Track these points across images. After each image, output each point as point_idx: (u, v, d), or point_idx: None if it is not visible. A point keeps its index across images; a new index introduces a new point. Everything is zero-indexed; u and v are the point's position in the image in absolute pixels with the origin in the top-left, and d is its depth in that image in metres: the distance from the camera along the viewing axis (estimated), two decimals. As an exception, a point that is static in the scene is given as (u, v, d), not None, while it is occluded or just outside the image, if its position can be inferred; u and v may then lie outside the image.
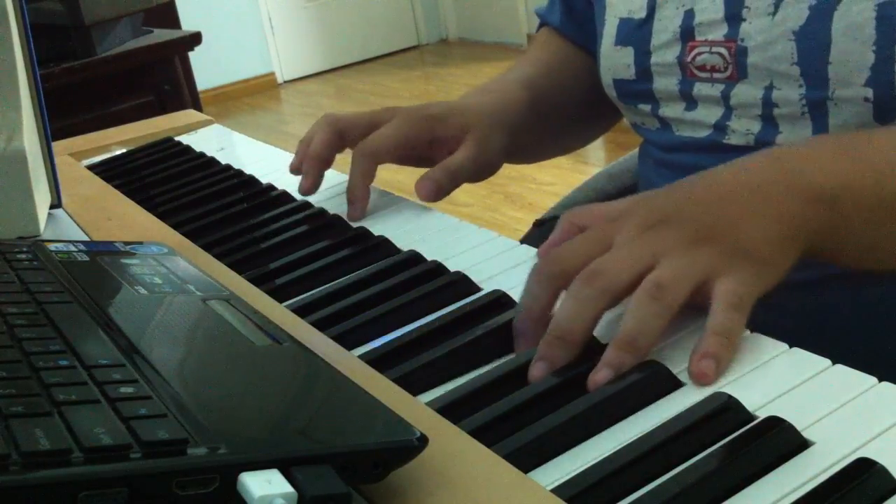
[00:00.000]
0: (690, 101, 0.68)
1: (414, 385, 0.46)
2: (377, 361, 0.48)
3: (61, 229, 0.73)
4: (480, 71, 5.15)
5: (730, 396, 0.41)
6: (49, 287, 0.51)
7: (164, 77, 2.07)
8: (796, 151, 0.54)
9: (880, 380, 0.41)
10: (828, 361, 0.43)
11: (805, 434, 0.38)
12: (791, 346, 0.44)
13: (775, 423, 0.39)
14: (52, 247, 0.59)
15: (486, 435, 0.40)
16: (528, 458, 0.39)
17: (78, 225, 0.74)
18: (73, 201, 0.79)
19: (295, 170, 0.75)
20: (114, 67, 1.97)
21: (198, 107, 2.18)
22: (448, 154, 0.72)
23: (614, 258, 0.47)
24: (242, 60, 5.37)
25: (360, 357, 0.49)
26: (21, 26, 0.71)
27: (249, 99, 5.35)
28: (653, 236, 0.47)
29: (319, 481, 0.34)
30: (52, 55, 1.88)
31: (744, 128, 0.65)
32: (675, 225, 0.48)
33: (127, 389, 0.37)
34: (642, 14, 0.70)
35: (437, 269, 0.58)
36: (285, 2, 5.54)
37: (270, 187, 0.78)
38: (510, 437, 0.40)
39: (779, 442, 0.38)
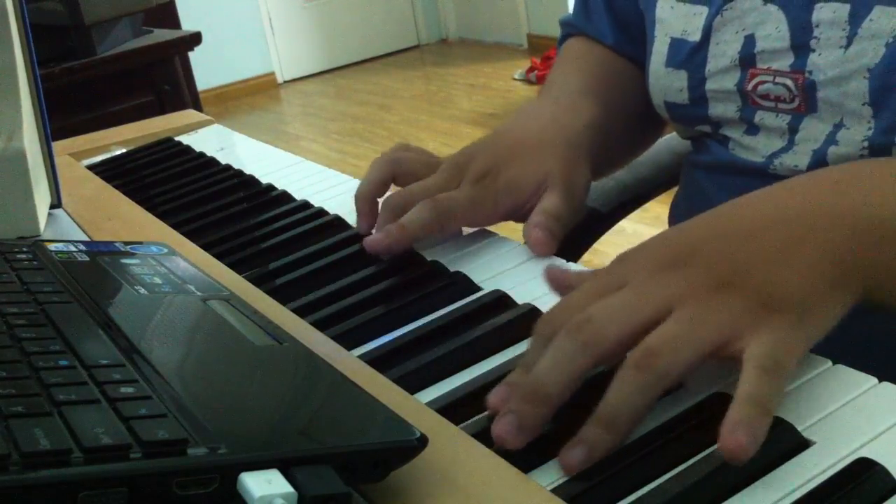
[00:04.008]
0: (752, 127, 0.64)
1: (414, 385, 0.46)
2: (377, 361, 0.48)
3: (61, 229, 0.73)
4: (480, 71, 5.15)
5: (730, 397, 0.41)
6: (49, 287, 0.51)
7: (164, 77, 2.07)
8: (848, 174, 0.46)
9: (880, 380, 0.41)
10: (828, 361, 0.43)
11: (805, 434, 0.38)
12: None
13: (776, 423, 0.39)
14: (52, 247, 0.59)
15: (486, 435, 0.40)
16: (528, 458, 0.39)
17: (78, 225, 0.74)
18: (73, 201, 0.79)
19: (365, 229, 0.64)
20: (114, 67, 1.98)
21: (198, 107, 2.19)
22: (532, 205, 0.61)
23: (608, 305, 0.40)
24: (242, 60, 5.37)
25: (360, 357, 0.49)
26: (21, 26, 0.71)
27: (249, 99, 5.36)
28: (664, 281, 0.41)
29: (319, 481, 0.34)
30: (52, 55, 1.88)
31: (793, 162, 0.61)
32: (694, 265, 0.41)
33: (127, 389, 0.37)
34: (697, 37, 0.65)
35: (437, 269, 0.58)
36: (285, 2, 5.54)
37: (270, 187, 0.78)
38: (510, 437, 0.40)
39: (779, 442, 0.38)
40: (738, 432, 0.35)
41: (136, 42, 2.05)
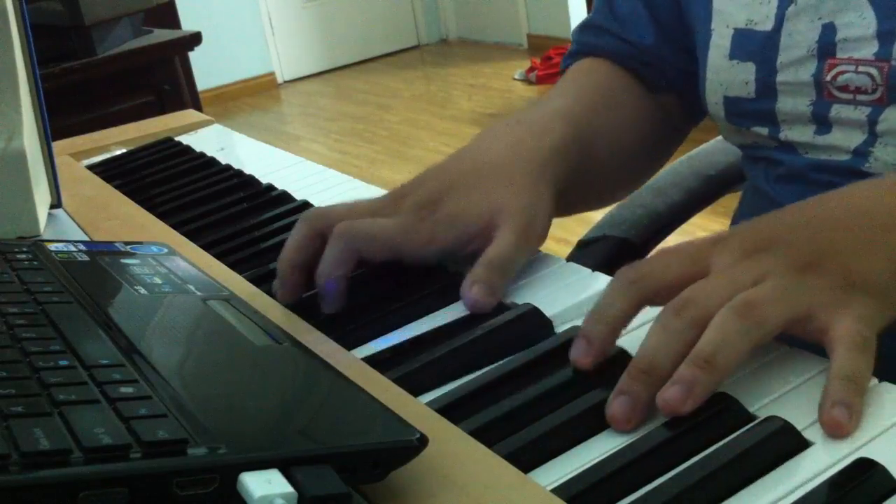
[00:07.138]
0: (824, 125, 0.61)
1: (414, 385, 0.46)
2: (377, 361, 0.48)
3: (61, 229, 0.73)
4: (480, 71, 5.15)
5: (730, 396, 0.41)
6: (49, 287, 0.51)
7: (164, 77, 2.07)
8: None
9: (880, 380, 0.41)
10: (828, 361, 0.43)
11: (805, 434, 0.38)
12: (791, 346, 0.44)
13: (775, 423, 0.39)
14: (52, 247, 0.59)
15: (486, 435, 0.40)
16: (528, 458, 0.39)
17: (78, 225, 0.74)
18: (73, 201, 0.79)
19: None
20: (114, 67, 1.98)
21: (198, 107, 2.19)
22: (478, 245, 0.56)
23: (708, 285, 0.43)
24: (242, 60, 5.37)
25: (360, 357, 0.49)
26: (21, 26, 0.71)
27: (249, 99, 5.35)
28: (754, 263, 0.43)
29: (319, 481, 0.34)
30: (52, 55, 1.88)
31: (891, 157, 0.58)
32: (781, 251, 0.43)
33: (127, 389, 0.37)
34: (768, 26, 0.61)
35: (438, 269, 0.58)
36: (285, 2, 5.54)
37: (270, 187, 0.78)
38: (510, 437, 0.40)
39: (779, 442, 0.38)
40: (835, 411, 0.38)
41: (136, 42, 2.05)
